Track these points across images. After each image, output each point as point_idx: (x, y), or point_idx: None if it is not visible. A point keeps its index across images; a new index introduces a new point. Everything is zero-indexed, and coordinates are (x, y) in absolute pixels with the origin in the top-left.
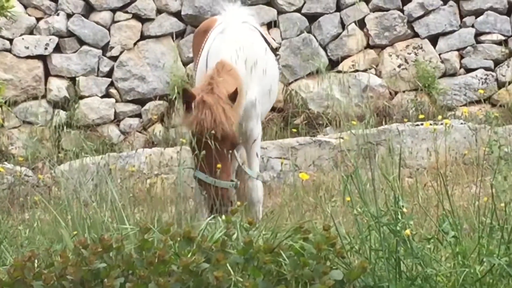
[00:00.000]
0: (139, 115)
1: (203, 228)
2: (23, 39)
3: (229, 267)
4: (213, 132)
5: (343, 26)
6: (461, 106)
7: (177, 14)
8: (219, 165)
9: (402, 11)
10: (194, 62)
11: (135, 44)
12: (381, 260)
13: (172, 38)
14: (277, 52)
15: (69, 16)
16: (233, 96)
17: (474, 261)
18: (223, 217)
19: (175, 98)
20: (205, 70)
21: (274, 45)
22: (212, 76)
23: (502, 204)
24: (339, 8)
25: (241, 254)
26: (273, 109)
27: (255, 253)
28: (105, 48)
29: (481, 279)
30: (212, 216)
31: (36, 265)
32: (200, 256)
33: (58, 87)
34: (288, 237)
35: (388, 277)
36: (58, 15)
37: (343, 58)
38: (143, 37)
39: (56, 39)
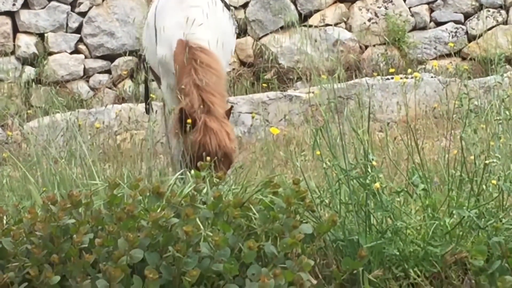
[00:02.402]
0: (108, 71)
1: (172, 183)
2: None
3: (199, 222)
4: (217, 155)
5: None
6: (431, 59)
7: None
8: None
9: None
10: None
11: None
12: (351, 213)
13: None
14: (231, 6)
15: None
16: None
17: (444, 213)
18: (192, 172)
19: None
20: (153, 27)
21: (243, 0)
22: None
23: (472, 157)
24: None
25: (210, 208)
26: (243, 64)
27: (224, 208)
28: (73, 4)
29: (451, 232)
30: (181, 171)
31: (5, 221)
32: (170, 211)
33: (26, 44)
34: (258, 191)
35: (358, 231)
36: None
37: (313, 12)
38: None
39: None
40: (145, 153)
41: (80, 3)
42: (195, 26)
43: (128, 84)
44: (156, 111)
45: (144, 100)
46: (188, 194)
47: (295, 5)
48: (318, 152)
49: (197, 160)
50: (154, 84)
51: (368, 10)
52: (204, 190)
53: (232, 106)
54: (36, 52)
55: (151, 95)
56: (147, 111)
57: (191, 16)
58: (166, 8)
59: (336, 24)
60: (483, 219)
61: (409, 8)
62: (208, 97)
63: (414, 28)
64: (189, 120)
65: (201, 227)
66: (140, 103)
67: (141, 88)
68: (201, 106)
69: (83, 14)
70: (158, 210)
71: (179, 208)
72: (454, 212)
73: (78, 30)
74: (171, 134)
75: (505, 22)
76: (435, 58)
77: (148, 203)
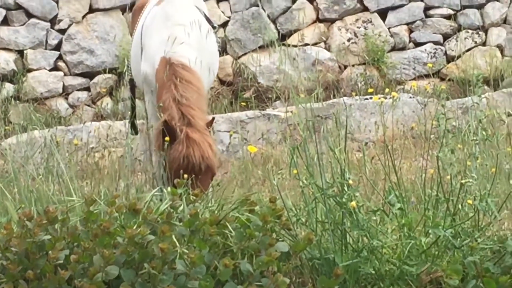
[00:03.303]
0: (87, 89)
1: (148, 200)
2: None
3: (175, 239)
4: (200, 167)
5: (293, 0)
6: (410, 80)
7: None
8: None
9: None
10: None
11: (83, 17)
12: (327, 232)
13: (121, 11)
14: (214, 25)
15: None
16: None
17: (420, 233)
18: (169, 189)
19: (124, 71)
20: (139, 46)
21: (223, 18)
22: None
23: (448, 177)
24: None
25: (186, 226)
26: (222, 82)
27: (201, 225)
28: (53, 21)
29: (427, 251)
30: (158, 188)
31: None
32: (146, 228)
33: (5, 60)
34: (234, 209)
35: (334, 249)
36: None
37: (293, 32)
38: (91, 10)
39: (3, 11)
40: (123, 170)
41: (60, 20)
42: (177, 44)
43: (107, 102)
44: (141, 129)
45: (129, 120)
46: (165, 211)
47: (275, 24)
48: (295, 171)
49: (178, 173)
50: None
51: (347, 30)
52: (181, 208)
53: (213, 118)
54: (15, 68)
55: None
56: (134, 130)
57: (174, 34)
58: (152, 26)
59: (315, 44)
60: (458, 239)
61: (389, 28)
62: (188, 110)
63: (393, 49)
64: (167, 138)
65: (177, 244)
66: (118, 120)
67: (120, 105)
68: (181, 120)
69: (62, 31)
70: (134, 227)
71: (155, 225)
72: (430, 231)
73: (57, 47)
74: (153, 151)
75: (484, 44)
76: (414, 79)
77: (125, 220)
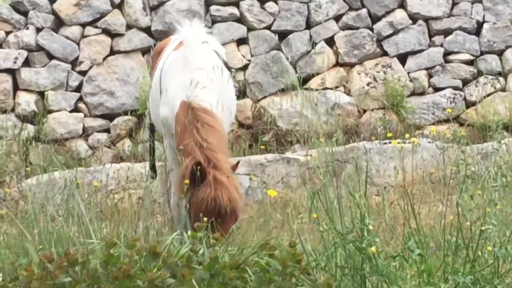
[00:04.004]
0: (107, 130)
1: (169, 243)
2: None
3: (195, 283)
4: (226, 209)
5: (313, 44)
6: (429, 125)
7: (146, 30)
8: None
9: (371, 29)
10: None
11: (104, 59)
12: (346, 277)
13: (142, 53)
14: (232, 68)
15: (38, 30)
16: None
17: (439, 279)
18: (189, 232)
19: (144, 113)
20: (158, 90)
21: (243, 62)
22: (199, 142)
23: (468, 223)
24: (309, 26)
25: (206, 269)
26: (241, 125)
27: (220, 269)
28: (74, 63)
29: None
30: (178, 231)
31: (1, 279)
32: (166, 271)
33: (26, 101)
34: (254, 253)
35: None
36: (27, 29)
37: (312, 75)
38: (112, 52)
39: (25, 53)
40: (142, 212)
41: (81, 62)
42: (198, 89)
43: (126, 144)
44: (160, 172)
45: (147, 161)
46: (185, 254)
47: (295, 68)
48: (314, 215)
49: (205, 215)
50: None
51: (367, 74)
52: (201, 251)
53: (238, 161)
54: (36, 110)
55: (154, 156)
56: (154, 173)
57: (196, 79)
58: (171, 69)
59: (335, 88)
60: (478, 286)
61: (408, 73)
62: (213, 154)
63: (413, 93)
64: (186, 181)
65: None
66: (139, 162)
67: (140, 147)
68: (207, 163)
69: (83, 73)
70: (154, 270)
71: (175, 268)
72: (449, 278)
73: (78, 88)
74: (172, 193)
75: (503, 89)
76: (433, 124)
77: (145, 263)
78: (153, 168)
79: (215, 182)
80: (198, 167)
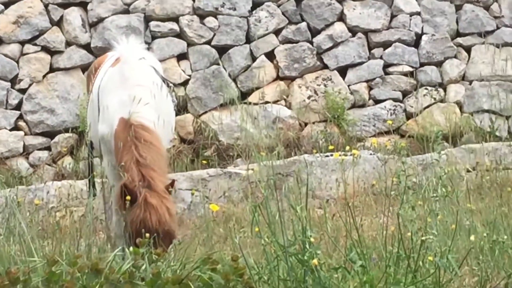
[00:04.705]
0: (48, 148)
1: (111, 260)
2: None
3: None
4: (158, 231)
5: (253, 58)
6: (370, 136)
7: (86, 47)
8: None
9: (311, 43)
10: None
11: (44, 76)
12: None
13: (82, 70)
14: (170, 84)
15: None
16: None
17: None
18: (131, 248)
19: (85, 130)
20: (96, 107)
21: (184, 77)
22: (137, 159)
23: (409, 234)
24: (248, 40)
25: (149, 285)
26: (183, 140)
27: (163, 285)
28: (13, 81)
29: None
30: (120, 247)
31: None
32: None
33: None
34: (197, 268)
35: None
36: None
37: (253, 89)
38: (52, 69)
39: None
40: (84, 229)
41: (21, 80)
42: (138, 105)
43: (68, 161)
44: (100, 188)
45: (87, 179)
46: (127, 270)
47: (235, 82)
48: (257, 229)
49: (137, 236)
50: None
51: (307, 87)
52: (143, 267)
53: (173, 180)
54: None
55: (93, 173)
56: (90, 192)
57: (134, 95)
58: (109, 86)
59: (275, 102)
60: None
61: (348, 86)
62: (149, 172)
63: (353, 106)
64: (128, 197)
65: None
66: (80, 179)
67: (81, 165)
68: (141, 181)
69: (23, 91)
70: (97, 287)
71: (117, 285)
72: None
73: (18, 106)
74: (113, 211)
75: (443, 100)
76: (374, 135)
77: (87, 280)
78: (93, 185)
79: (145, 204)
80: (127, 189)
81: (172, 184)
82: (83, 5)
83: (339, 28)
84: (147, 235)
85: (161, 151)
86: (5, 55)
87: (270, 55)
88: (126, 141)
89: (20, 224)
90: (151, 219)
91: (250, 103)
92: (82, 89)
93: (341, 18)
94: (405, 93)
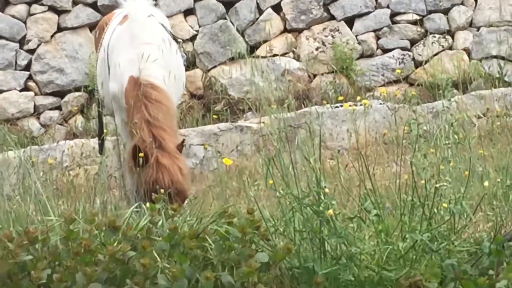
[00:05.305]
0: (59, 108)
1: (128, 217)
2: None
3: (156, 254)
4: (170, 191)
5: (260, 11)
6: (379, 86)
7: (93, 5)
8: None
9: None
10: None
11: (52, 36)
12: (305, 241)
13: (90, 29)
14: (179, 40)
15: None
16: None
17: (397, 238)
18: (148, 204)
19: (95, 88)
20: (106, 64)
21: (191, 32)
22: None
23: (422, 182)
24: None
25: (166, 240)
26: (193, 96)
27: (180, 239)
28: (22, 42)
29: (404, 256)
30: (137, 204)
31: None
32: (126, 245)
33: None
34: (213, 222)
35: (313, 258)
36: None
37: (261, 43)
38: (60, 29)
39: None
40: (99, 187)
41: (29, 41)
42: (147, 63)
43: (79, 120)
44: (113, 146)
45: (98, 137)
46: (144, 227)
47: (243, 36)
48: (271, 182)
49: (151, 194)
50: (107, 118)
51: (315, 39)
52: (160, 223)
53: (184, 140)
54: None
55: (104, 130)
56: (100, 150)
57: (144, 53)
58: (119, 44)
59: (284, 54)
60: (435, 242)
61: (356, 36)
62: (159, 132)
63: (362, 56)
64: (141, 154)
65: (158, 259)
66: (92, 138)
67: (92, 123)
68: (152, 142)
69: (31, 52)
70: (115, 244)
71: (135, 241)
72: (407, 236)
73: (27, 67)
74: (126, 169)
75: (451, 47)
76: (383, 85)
77: (105, 237)
78: (101, 143)
79: (157, 164)
80: (139, 149)
81: (183, 143)
82: None
83: None
84: (162, 190)
85: (170, 110)
86: (13, 16)
87: (277, 8)
88: (137, 100)
89: (35, 184)
90: (164, 179)
91: (258, 56)
92: (91, 47)
93: None
94: (413, 42)
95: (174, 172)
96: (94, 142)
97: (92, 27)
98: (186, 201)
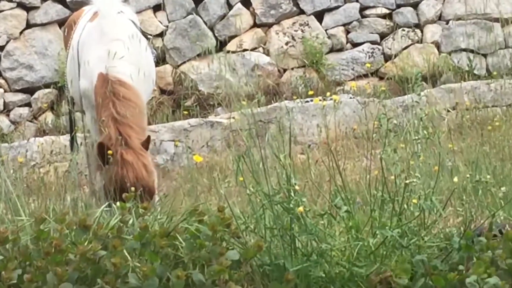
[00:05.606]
0: (29, 104)
1: (98, 216)
2: None
3: (126, 253)
4: (135, 188)
5: (230, 6)
6: (349, 80)
7: (62, 1)
8: None
9: None
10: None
11: (21, 33)
12: (276, 238)
13: (59, 25)
14: (148, 35)
15: None
16: (146, 145)
17: (367, 234)
18: (118, 203)
19: (65, 85)
20: (76, 61)
21: (161, 28)
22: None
23: (392, 177)
24: None
25: (137, 239)
26: (163, 91)
27: (151, 238)
28: None
29: (375, 252)
30: (107, 203)
31: None
32: (97, 244)
33: None
34: (184, 220)
35: (284, 254)
36: None
37: (231, 38)
38: (29, 25)
39: None
40: (69, 184)
41: None
42: (116, 60)
43: (49, 117)
44: (81, 143)
45: (68, 134)
46: (115, 226)
47: (213, 31)
48: (241, 178)
49: (119, 192)
50: (77, 115)
51: (285, 33)
52: (130, 221)
53: (149, 136)
54: None
55: (74, 127)
56: (71, 147)
57: (113, 50)
58: (88, 41)
59: (254, 49)
60: (405, 238)
61: (326, 30)
62: (125, 130)
63: (331, 50)
64: (110, 152)
65: (129, 258)
66: (62, 135)
67: (63, 120)
68: (119, 139)
69: (0, 48)
70: (86, 243)
71: (106, 240)
72: (377, 232)
73: None
74: (94, 167)
75: (420, 41)
76: (353, 79)
77: (75, 236)
78: (71, 141)
79: (122, 161)
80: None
81: (148, 140)
82: None
83: None
84: (132, 189)
85: (139, 107)
86: None
87: (246, 3)
88: (105, 97)
89: (5, 182)
90: (129, 176)
91: (228, 51)
92: (60, 44)
93: None
94: (383, 36)
95: (139, 168)
96: (64, 139)
97: (61, 23)
98: (156, 198)
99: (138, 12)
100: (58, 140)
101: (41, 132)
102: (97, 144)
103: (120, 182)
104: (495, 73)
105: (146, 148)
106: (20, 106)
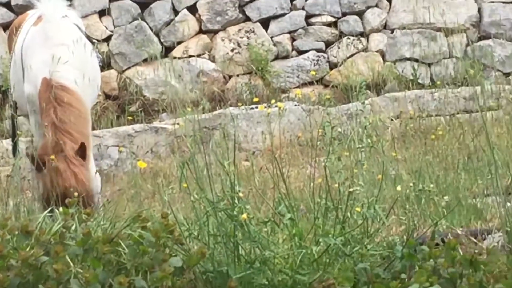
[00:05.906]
0: None
1: (41, 221)
2: None
3: (69, 259)
4: (66, 195)
5: (176, 12)
6: (294, 88)
7: (7, 5)
8: None
9: None
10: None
11: None
12: (219, 245)
13: (3, 28)
14: (94, 40)
15: None
16: (82, 153)
17: (311, 242)
18: (61, 209)
19: (8, 89)
20: (20, 65)
21: (106, 33)
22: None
23: (336, 185)
24: None
25: (80, 245)
26: (108, 97)
27: (94, 244)
28: None
29: (318, 259)
30: (50, 208)
31: None
32: (39, 249)
33: None
34: (127, 226)
35: (227, 262)
36: None
37: (177, 44)
38: None
39: None
40: (12, 189)
41: None
42: (60, 65)
43: None
44: (27, 147)
45: (11, 138)
46: (57, 231)
47: (158, 37)
48: (185, 185)
49: (54, 199)
50: (20, 120)
51: (230, 40)
52: (73, 227)
53: (82, 143)
54: None
55: (17, 132)
56: (14, 152)
57: (57, 55)
58: (33, 46)
59: (199, 55)
60: (348, 246)
61: (271, 37)
62: (61, 136)
63: (277, 57)
64: (52, 157)
65: (71, 264)
66: (5, 139)
67: (5, 124)
68: (55, 146)
69: None
70: (28, 249)
71: (48, 246)
72: (320, 240)
73: None
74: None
75: (365, 49)
76: (298, 87)
77: (17, 242)
78: (14, 145)
79: (53, 170)
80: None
81: (81, 147)
82: None
83: None
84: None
85: (81, 113)
86: None
87: (193, 9)
88: (48, 102)
89: None
90: (59, 185)
91: (174, 57)
92: (4, 47)
93: None
94: (328, 44)
95: (67, 177)
96: (7, 143)
97: (5, 26)
98: (91, 205)
99: (84, 16)
100: (0, 144)
101: None
102: (38, 150)
103: (52, 189)
104: (439, 82)
105: (83, 156)
106: None
